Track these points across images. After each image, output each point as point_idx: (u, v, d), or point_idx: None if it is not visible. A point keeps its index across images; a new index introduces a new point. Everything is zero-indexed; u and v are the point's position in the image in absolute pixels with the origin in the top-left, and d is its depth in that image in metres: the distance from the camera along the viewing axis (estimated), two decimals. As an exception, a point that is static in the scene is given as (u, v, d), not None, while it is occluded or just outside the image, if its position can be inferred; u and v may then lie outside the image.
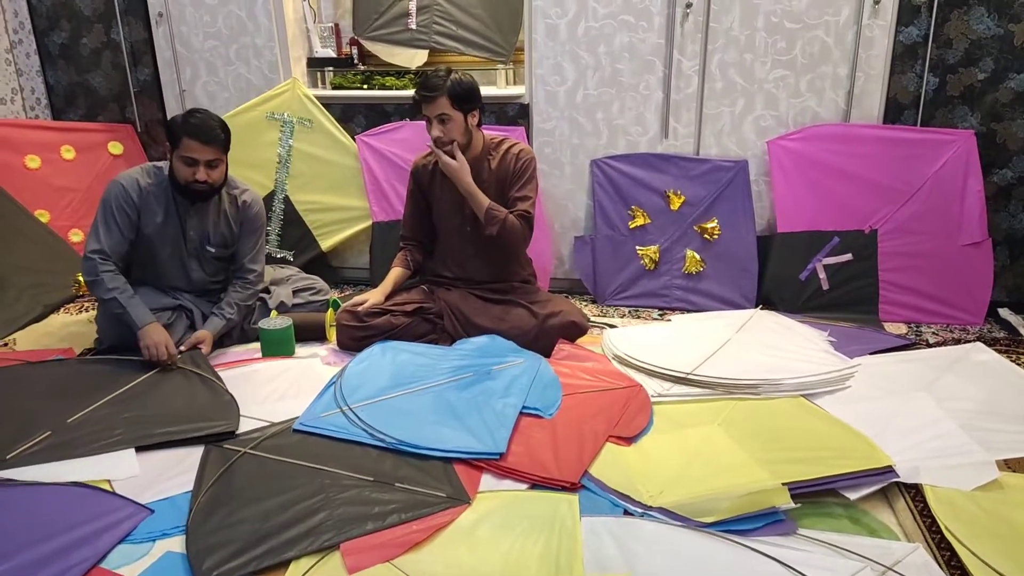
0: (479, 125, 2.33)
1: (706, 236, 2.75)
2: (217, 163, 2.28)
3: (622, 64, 2.71)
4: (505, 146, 2.36)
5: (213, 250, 2.41)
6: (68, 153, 3.09)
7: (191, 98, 3.04)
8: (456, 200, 2.38)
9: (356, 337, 2.35)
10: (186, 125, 2.22)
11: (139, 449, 1.78)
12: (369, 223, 2.98)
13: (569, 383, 2.08)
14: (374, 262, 3.01)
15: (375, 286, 2.79)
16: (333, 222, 3.03)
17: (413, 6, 2.99)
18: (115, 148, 3.17)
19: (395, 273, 2.49)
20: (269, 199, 3.03)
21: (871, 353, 2.25)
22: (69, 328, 2.63)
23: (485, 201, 2.29)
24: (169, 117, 2.28)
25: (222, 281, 2.51)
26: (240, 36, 2.96)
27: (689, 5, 2.60)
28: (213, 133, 2.24)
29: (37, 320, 2.69)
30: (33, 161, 3.02)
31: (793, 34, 2.59)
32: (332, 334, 2.54)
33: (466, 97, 2.23)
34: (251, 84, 2.99)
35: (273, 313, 2.53)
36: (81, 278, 2.80)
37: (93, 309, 2.79)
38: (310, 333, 2.51)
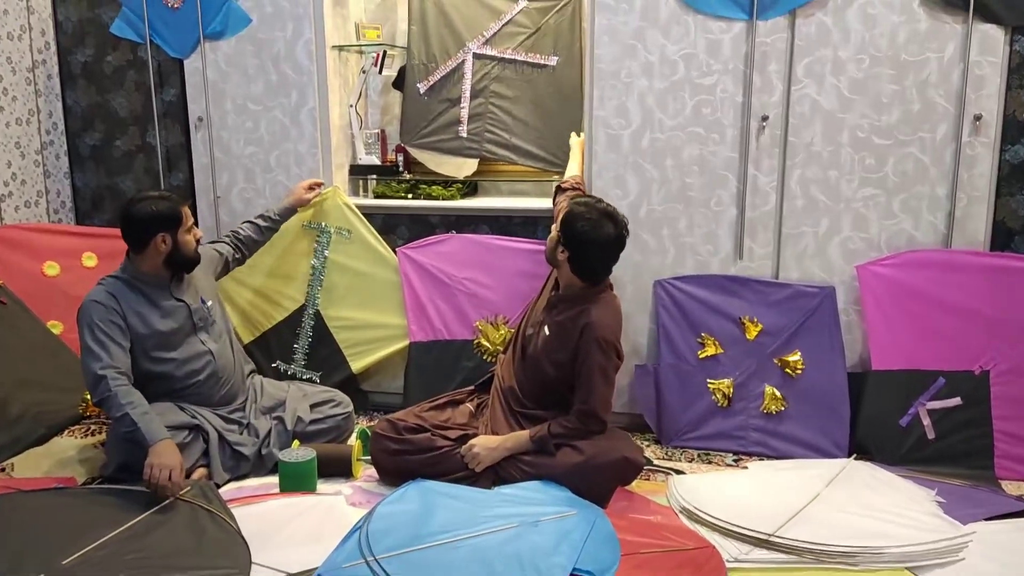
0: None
1: (788, 371, 2.75)
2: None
3: (691, 178, 2.81)
4: (588, 308, 2.38)
5: (209, 303, 2.66)
6: (90, 260, 3.28)
7: (226, 205, 3.25)
8: (536, 313, 2.52)
9: (390, 450, 2.41)
10: (173, 200, 2.55)
11: (140, 598, 1.80)
12: (406, 343, 3.06)
13: (628, 540, 2.05)
14: (409, 387, 3.05)
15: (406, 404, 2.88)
16: (367, 341, 3.11)
17: (464, 114, 3.20)
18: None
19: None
20: (299, 314, 3.14)
21: (987, 518, 2.18)
22: (73, 453, 2.71)
23: (524, 437, 2.37)
24: (134, 216, 2.49)
25: (242, 366, 2.74)
26: (282, 142, 3.17)
27: (765, 118, 2.72)
28: (183, 196, 2.62)
29: (38, 443, 2.78)
30: (52, 268, 3.22)
31: (883, 151, 2.67)
32: (359, 469, 2.57)
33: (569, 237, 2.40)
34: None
35: (295, 443, 2.59)
36: (89, 397, 2.92)
37: (100, 433, 2.88)
38: (334, 467, 2.55)
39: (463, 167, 3.28)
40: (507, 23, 3.16)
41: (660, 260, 2.88)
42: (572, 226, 2.36)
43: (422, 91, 3.24)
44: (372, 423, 2.99)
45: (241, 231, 2.95)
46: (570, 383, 2.41)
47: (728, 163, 2.78)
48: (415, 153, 3.31)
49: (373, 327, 3.10)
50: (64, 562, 1.92)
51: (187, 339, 2.59)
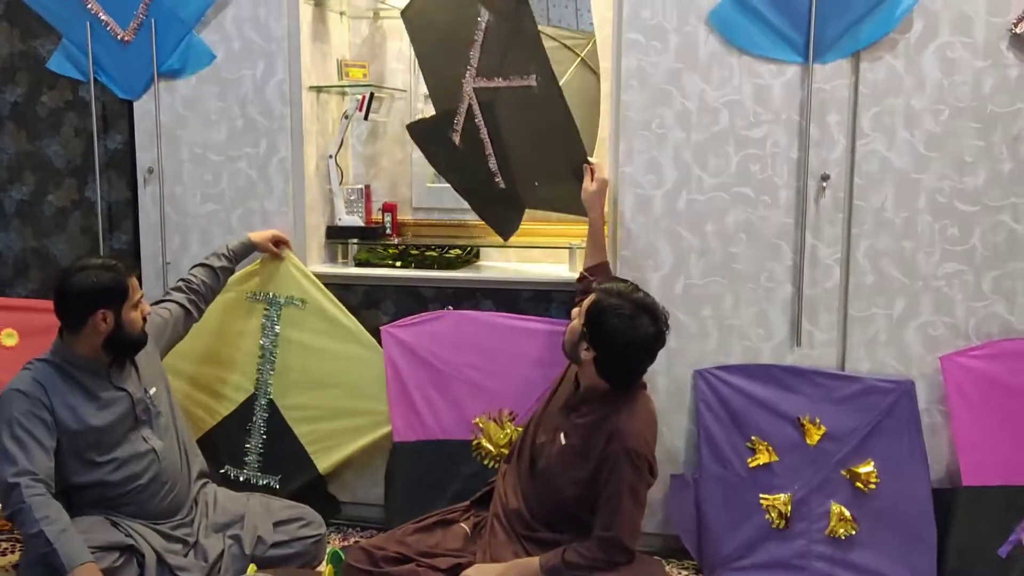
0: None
1: (859, 485, 2.66)
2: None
3: (737, 247, 2.75)
4: (616, 413, 2.30)
5: (152, 390, 2.59)
6: (9, 339, 3.16)
7: (175, 271, 3.15)
8: (548, 411, 2.46)
9: None
10: (118, 269, 2.47)
11: None
12: (382, 432, 2.97)
13: None
14: (392, 498, 2.96)
15: (389, 528, 2.71)
16: (333, 433, 3.01)
17: (493, 164, 3.03)
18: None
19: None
20: (248, 406, 3.06)
21: None
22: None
23: (532, 567, 2.26)
24: (71, 289, 2.41)
25: (190, 468, 2.65)
26: (248, 199, 3.12)
27: (826, 178, 2.68)
28: (131, 263, 2.68)
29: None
30: (10, 337, 3.12)
31: (969, 219, 2.63)
32: (331, 608, 2.42)
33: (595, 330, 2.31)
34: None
35: (251, 568, 2.45)
36: None
37: (14, 552, 2.76)
38: (300, 604, 2.41)
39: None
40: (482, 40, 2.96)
41: (700, 346, 2.81)
42: (600, 322, 2.25)
43: (457, 143, 3.04)
44: (347, 543, 2.84)
45: (193, 279, 2.88)
46: (591, 504, 2.29)
47: (781, 230, 2.73)
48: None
49: (340, 415, 3.01)
50: None
51: (127, 436, 2.50)
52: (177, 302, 2.81)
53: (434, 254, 3.14)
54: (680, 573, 2.71)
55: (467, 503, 2.60)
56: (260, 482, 3.03)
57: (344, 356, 3.00)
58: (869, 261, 2.68)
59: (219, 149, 3.11)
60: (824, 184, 2.67)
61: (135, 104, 3.17)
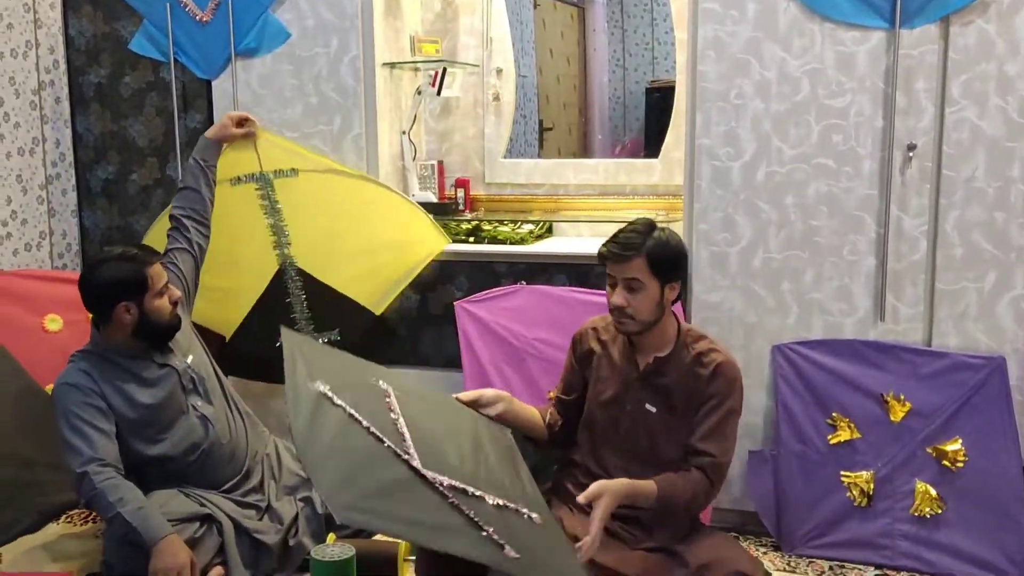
0: (675, 302, 2.43)
1: (946, 463, 2.69)
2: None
3: (819, 220, 2.80)
4: (705, 348, 2.38)
5: (190, 358, 2.69)
6: (53, 324, 3.32)
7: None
8: (618, 394, 2.44)
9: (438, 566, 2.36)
10: (136, 259, 2.55)
11: None
12: (436, 249, 3.09)
13: None
14: None
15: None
16: (372, 272, 3.06)
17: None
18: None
19: (527, 408, 2.52)
20: (279, 280, 3.11)
21: None
22: (70, 543, 2.79)
23: (651, 489, 2.27)
24: (91, 284, 2.56)
25: (247, 427, 2.76)
26: (323, 176, 3.28)
27: (912, 147, 2.70)
28: (152, 250, 2.63)
29: (31, 530, 2.85)
30: (54, 322, 3.34)
31: None
32: (406, 572, 2.56)
33: (671, 264, 2.32)
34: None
35: (330, 537, 2.60)
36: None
37: (102, 520, 2.94)
38: (377, 568, 2.54)
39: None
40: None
41: (780, 321, 2.86)
42: (670, 252, 2.31)
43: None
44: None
45: (181, 206, 2.91)
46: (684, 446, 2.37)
47: (865, 202, 2.76)
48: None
49: (371, 252, 3.06)
50: None
51: (180, 409, 2.65)
52: (177, 251, 2.86)
53: (507, 229, 3.24)
54: (757, 550, 2.77)
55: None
56: (321, 341, 3.04)
57: (355, 201, 3.05)
58: (958, 233, 2.69)
59: (294, 126, 3.26)
60: (911, 154, 2.69)
61: (213, 83, 3.33)
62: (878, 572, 2.67)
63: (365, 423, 1.97)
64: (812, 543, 2.76)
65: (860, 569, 2.69)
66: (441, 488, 1.94)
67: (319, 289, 3.09)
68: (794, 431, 2.81)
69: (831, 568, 2.70)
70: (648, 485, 2.26)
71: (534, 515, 2.09)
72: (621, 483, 2.22)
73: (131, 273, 2.54)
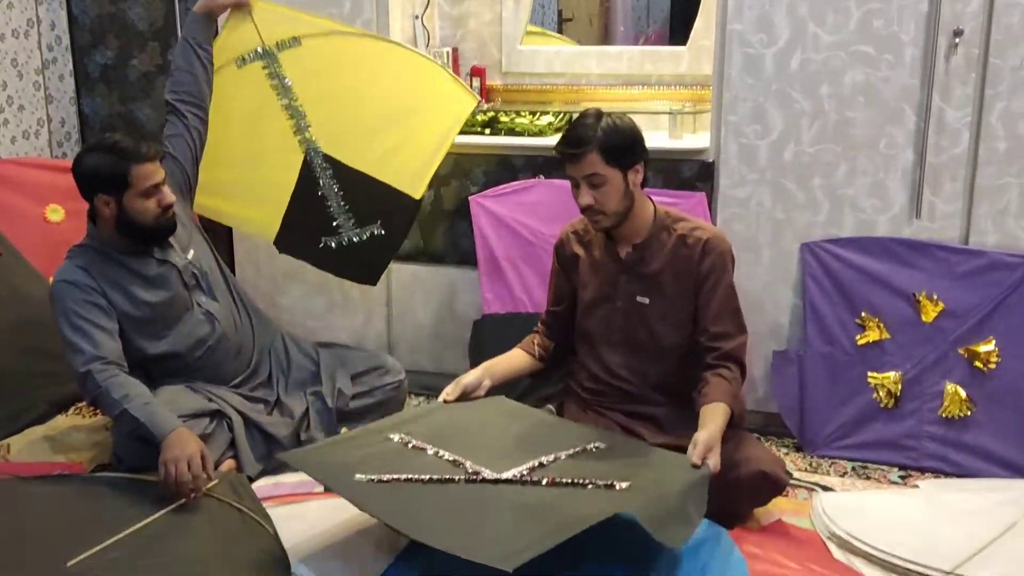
0: (643, 186, 2.41)
1: (977, 364, 2.69)
2: (166, 179, 2.57)
3: (854, 111, 2.75)
4: (687, 228, 2.41)
5: (191, 253, 2.68)
6: (55, 214, 3.35)
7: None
8: (605, 292, 2.45)
9: None
10: (123, 154, 2.48)
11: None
12: (455, 117, 2.91)
13: (762, 571, 2.05)
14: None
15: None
16: (399, 148, 2.88)
17: None
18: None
19: (512, 356, 2.54)
20: (307, 171, 2.94)
21: None
22: (78, 435, 2.82)
23: (726, 411, 2.24)
24: (75, 171, 2.53)
25: (253, 323, 2.77)
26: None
27: (959, 33, 2.63)
28: (151, 147, 2.53)
29: (39, 421, 2.91)
30: (55, 212, 3.35)
31: None
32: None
33: (625, 149, 2.32)
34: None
35: (344, 431, 2.64)
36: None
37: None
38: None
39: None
40: None
41: (810, 217, 2.84)
42: (623, 138, 2.31)
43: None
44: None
45: (175, 90, 2.78)
46: (688, 350, 2.40)
47: (905, 92, 2.70)
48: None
49: (395, 125, 2.89)
50: (69, 563, 1.99)
51: (184, 306, 2.65)
52: (173, 139, 2.77)
53: (525, 121, 3.19)
54: (779, 451, 2.80)
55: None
56: (364, 236, 2.93)
57: (367, 65, 2.90)
58: (1003, 125, 2.64)
59: (305, 10, 3.15)
60: (956, 40, 2.62)
61: (216, -38, 3.26)
62: (902, 473, 2.70)
63: (424, 478, 2.04)
64: (835, 444, 2.79)
65: (884, 470, 2.71)
66: (527, 477, 2.04)
67: (351, 177, 2.91)
68: (821, 331, 2.81)
69: (854, 469, 2.72)
70: (720, 409, 2.23)
71: (598, 443, 2.22)
72: (714, 427, 2.17)
73: (111, 167, 2.49)
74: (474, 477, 2.04)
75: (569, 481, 2.02)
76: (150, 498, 2.28)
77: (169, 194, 2.56)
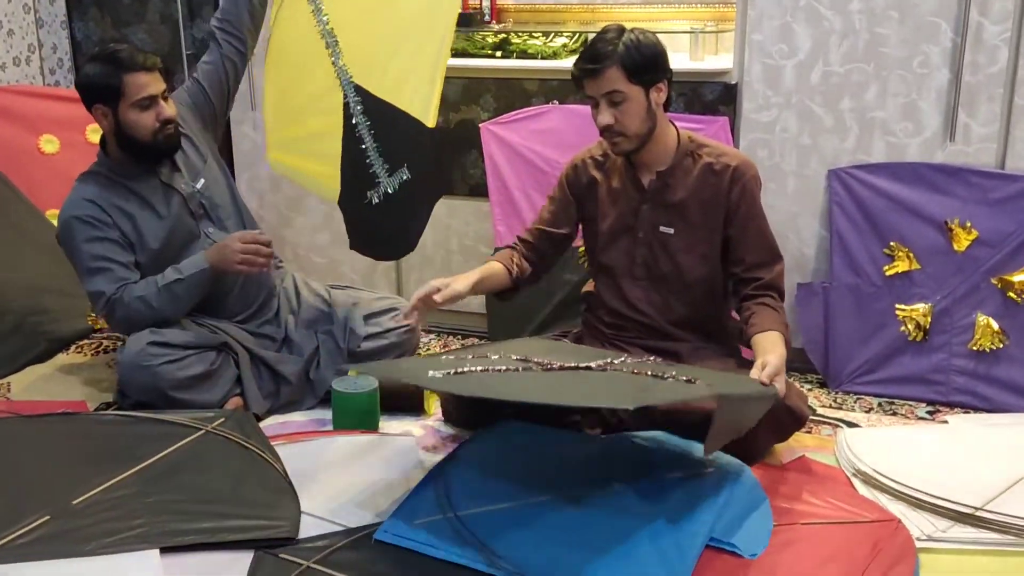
0: (667, 107, 2.37)
1: (1011, 295, 2.68)
2: (167, 93, 2.58)
3: (886, 28, 2.70)
4: (713, 155, 2.38)
5: (200, 183, 2.68)
6: (95, 135, 3.32)
7: (260, 66, 3.26)
8: (627, 223, 2.42)
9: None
10: (117, 63, 2.50)
11: (165, 550, 1.89)
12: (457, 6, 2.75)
13: (784, 508, 2.06)
14: (494, 304, 3.10)
15: (492, 337, 2.86)
16: (410, 71, 2.76)
17: None
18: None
19: (489, 267, 2.49)
20: (347, 112, 2.83)
21: None
22: (81, 372, 2.86)
23: (781, 337, 2.25)
24: (76, 81, 2.56)
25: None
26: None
27: (999, -59, 2.57)
28: (149, 57, 2.55)
29: (40, 359, 2.94)
30: (50, 143, 3.34)
31: None
32: (434, 404, 2.62)
33: (647, 65, 2.28)
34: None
35: (352, 371, 2.65)
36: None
37: (114, 350, 3.02)
38: (402, 400, 2.62)
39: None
40: None
41: (837, 142, 2.81)
42: (646, 55, 2.26)
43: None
44: (447, 351, 3.03)
45: (218, 17, 2.77)
46: (713, 283, 2.42)
47: (941, 6, 2.65)
48: None
49: (406, 32, 2.74)
50: (74, 502, 2.03)
51: (190, 234, 2.67)
52: (204, 68, 2.77)
53: (538, 42, 3.15)
54: (803, 387, 2.80)
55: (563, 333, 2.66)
56: (395, 186, 2.78)
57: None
58: (1044, 42, 2.59)
59: None
60: (997, -50, 2.57)
61: None
62: (930, 408, 2.70)
63: (508, 367, 2.09)
64: (861, 379, 2.80)
65: (911, 405, 2.72)
66: (612, 368, 2.11)
67: (377, 108, 2.78)
68: (848, 262, 2.80)
69: (880, 405, 2.73)
70: (778, 338, 2.23)
71: (659, 360, 2.26)
72: (777, 354, 2.16)
73: (105, 76, 2.51)
74: (550, 366, 2.07)
75: (649, 373, 2.09)
76: (155, 436, 2.31)
77: (168, 108, 2.56)
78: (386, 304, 2.84)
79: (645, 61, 2.27)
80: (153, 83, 2.53)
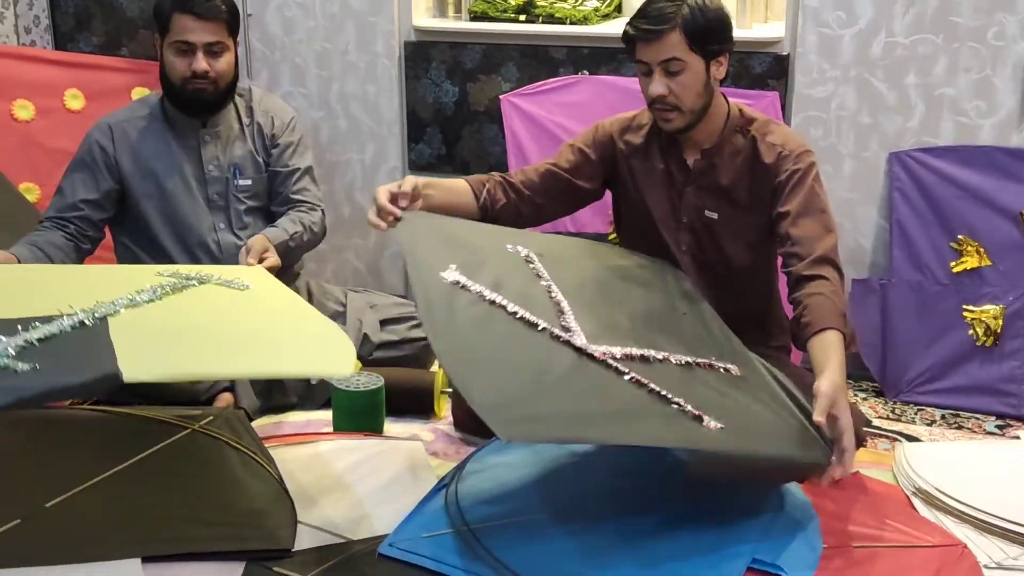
0: (723, 82, 2.35)
1: (1093, 297, 2.69)
2: (221, 49, 2.66)
3: (958, -5, 2.70)
4: (766, 131, 2.34)
5: (248, 183, 2.76)
6: (75, 101, 3.36)
7: (258, 26, 3.29)
8: (671, 208, 2.41)
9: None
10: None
11: (147, 560, 1.87)
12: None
13: (837, 529, 2.04)
14: None
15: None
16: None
17: None
18: (142, 95, 3.43)
19: (455, 188, 2.40)
20: None
21: None
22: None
23: (839, 338, 2.09)
24: None
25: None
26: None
27: (1087, -102, 2.56)
28: (211, 5, 2.63)
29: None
30: (24, 109, 3.33)
31: None
32: (444, 406, 2.62)
33: (712, 34, 2.24)
34: (348, 8, 3.19)
35: (356, 365, 2.64)
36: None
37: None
38: (410, 401, 2.62)
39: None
40: None
41: (900, 122, 2.81)
42: (705, 18, 2.21)
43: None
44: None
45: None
46: (757, 274, 2.41)
47: (1020, -29, 2.66)
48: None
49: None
50: (48, 504, 2.02)
51: (195, 212, 2.72)
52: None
53: (566, 6, 3.15)
54: (856, 396, 2.80)
55: None
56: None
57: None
58: None
59: None
60: (1085, -92, 2.57)
61: None
62: (1000, 422, 2.70)
63: (510, 307, 1.97)
64: (922, 388, 2.80)
65: (979, 418, 2.72)
66: (615, 363, 1.95)
67: None
68: (910, 257, 2.80)
69: (943, 417, 2.73)
70: (834, 341, 2.07)
71: (731, 366, 2.10)
72: (833, 370, 1.99)
73: (160, 6, 2.65)
74: (561, 335, 1.99)
75: (654, 389, 1.91)
76: (137, 434, 2.29)
77: (211, 65, 2.64)
78: (406, 311, 2.87)
79: (711, 28, 2.23)
80: (200, 31, 2.61)
